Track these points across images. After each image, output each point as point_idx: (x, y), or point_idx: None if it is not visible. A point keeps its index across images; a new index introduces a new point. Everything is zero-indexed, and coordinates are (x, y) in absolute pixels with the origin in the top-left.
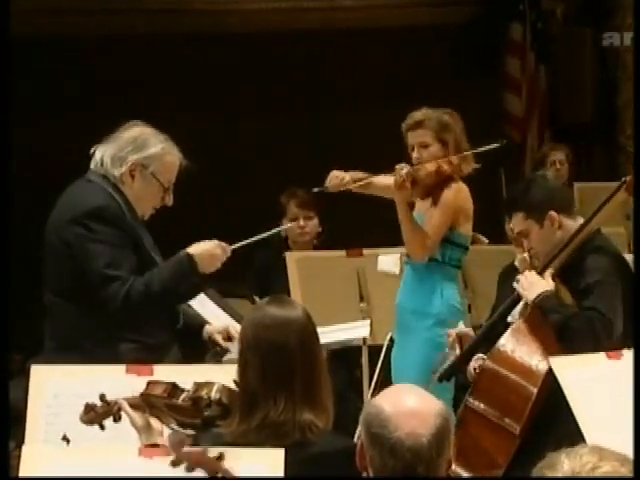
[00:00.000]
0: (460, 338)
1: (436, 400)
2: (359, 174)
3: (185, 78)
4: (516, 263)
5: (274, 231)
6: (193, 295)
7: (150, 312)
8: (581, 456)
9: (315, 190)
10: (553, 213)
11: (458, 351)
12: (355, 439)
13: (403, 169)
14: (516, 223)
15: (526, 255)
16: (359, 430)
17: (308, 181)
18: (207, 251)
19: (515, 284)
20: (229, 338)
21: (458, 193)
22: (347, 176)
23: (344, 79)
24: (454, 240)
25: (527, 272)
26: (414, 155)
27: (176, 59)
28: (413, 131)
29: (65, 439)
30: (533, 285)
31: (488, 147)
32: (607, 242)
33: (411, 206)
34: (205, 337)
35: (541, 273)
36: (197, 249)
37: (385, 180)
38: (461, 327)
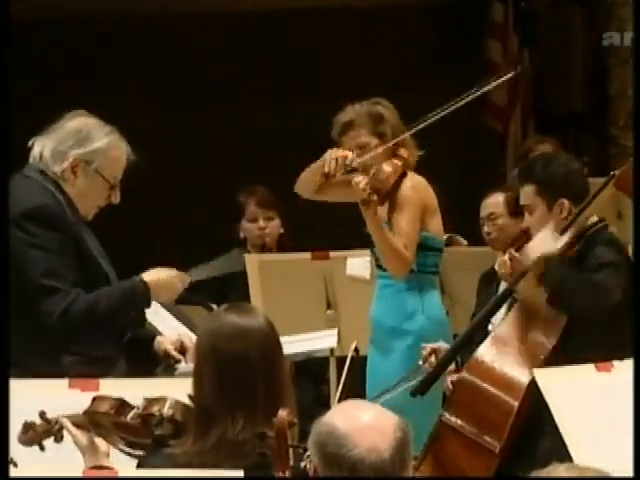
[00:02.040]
0: (435, 351)
1: (391, 414)
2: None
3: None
4: (496, 267)
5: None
6: (140, 324)
7: (88, 331)
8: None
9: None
10: (566, 202)
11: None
12: (304, 465)
13: (361, 182)
14: (525, 194)
15: (506, 258)
16: (309, 454)
17: (272, 177)
18: (164, 281)
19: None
20: (183, 349)
21: (417, 188)
22: (350, 154)
23: (314, 65)
24: (426, 243)
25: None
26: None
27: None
28: (345, 135)
29: (12, 462)
30: (542, 243)
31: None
32: (617, 238)
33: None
34: (156, 348)
35: (521, 277)
36: (154, 277)
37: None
38: (440, 343)
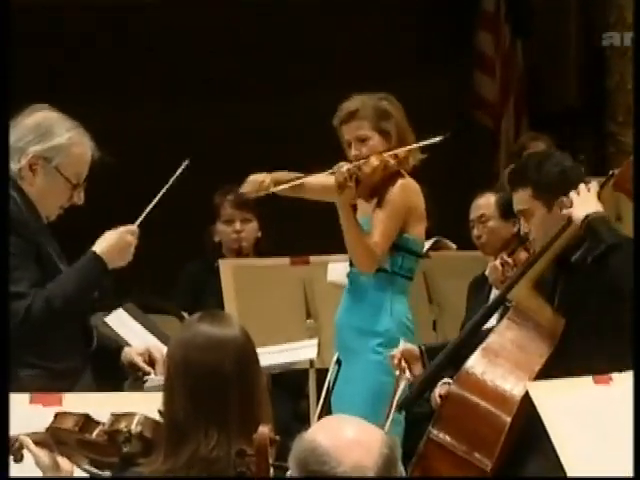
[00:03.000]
0: (405, 358)
1: (377, 428)
2: (286, 175)
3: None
4: (487, 272)
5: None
6: (106, 298)
7: (56, 328)
8: None
9: (229, 198)
10: (565, 199)
11: (408, 374)
12: None
13: (344, 166)
14: (520, 200)
15: (498, 263)
16: (290, 473)
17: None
18: (116, 244)
19: (564, 199)
20: (151, 361)
21: (406, 190)
22: (267, 179)
23: (295, 60)
24: (405, 246)
25: (582, 187)
26: (352, 152)
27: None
28: (347, 124)
29: None
30: (585, 203)
31: (431, 141)
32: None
33: (353, 208)
34: (123, 360)
35: (515, 283)
36: (103, 245)
37: (321, 180)
38: (403, 345)
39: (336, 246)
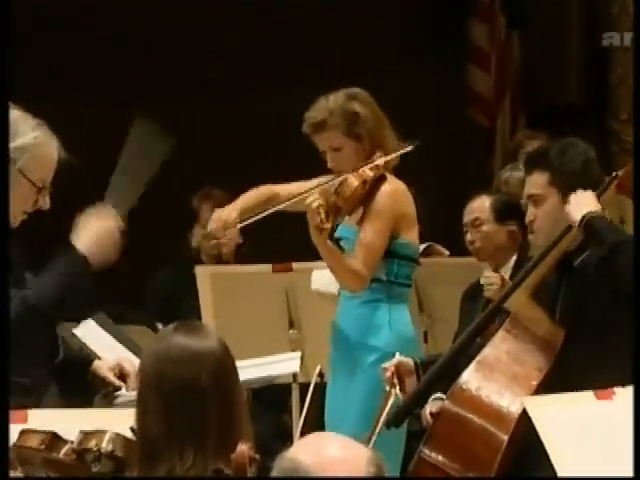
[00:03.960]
0: (399, 372)
1: (364, 446)
2: (253, 199)
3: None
4: (482, 281)
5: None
6: (87, 297)
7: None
8: None
9: (194, 245)
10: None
11: (399, 390)
12: None
13: (315, 202)
14: (534, 183)
15: (497, 278)
16: None
17: (228, 180)
18: (97, 235)
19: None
20: (123, 375)
21: (393, 197)
22: (233, 213)
23: (271, 56)
24: (399, 251)
25: (580, 191)
26: (328, 163)
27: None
28: (317, 135)
29: None
30: (582, 203)
31: (404, 150)
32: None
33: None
34: (93, 375)
35: (512, 291)
36: (84, 239)
37: (294, 191)
38: (397, 357)
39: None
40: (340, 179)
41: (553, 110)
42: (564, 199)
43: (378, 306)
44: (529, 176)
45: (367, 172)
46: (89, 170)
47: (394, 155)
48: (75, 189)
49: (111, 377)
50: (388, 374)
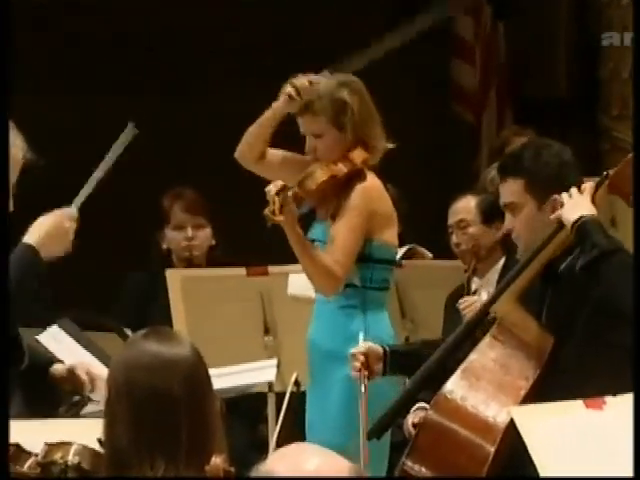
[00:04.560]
0: (367, 357)
1: (344, 459)
2: None
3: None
4: (460, 307)
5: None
6: (44, 291)
7: None
8: None
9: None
10: (559, 198)
11: (363, 388)
12: None
13: (272, 190)
14: (509, 191)
15: (466, 299)
16: None
17: (200, 179)
18: (51, 230)
19: (557, 197)
20: (75, 382)
21: (366, 195)
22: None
23: (241, 49)
24: (373, 254)
25: (574, 190)
26: (306, 146)
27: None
28: (302, 116)
29: None
30: (578, 205)
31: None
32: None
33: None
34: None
35: (498, 295)
36: (36, 232)
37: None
38: (366, 343)
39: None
40: (308, 170)
41: (541, 105)
42: (541, 205)
43: (353, 313)
44: (503, 184)
45: (339, 167)
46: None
47: (371, 155)
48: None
49: (81, 379)
50: (357, 363)
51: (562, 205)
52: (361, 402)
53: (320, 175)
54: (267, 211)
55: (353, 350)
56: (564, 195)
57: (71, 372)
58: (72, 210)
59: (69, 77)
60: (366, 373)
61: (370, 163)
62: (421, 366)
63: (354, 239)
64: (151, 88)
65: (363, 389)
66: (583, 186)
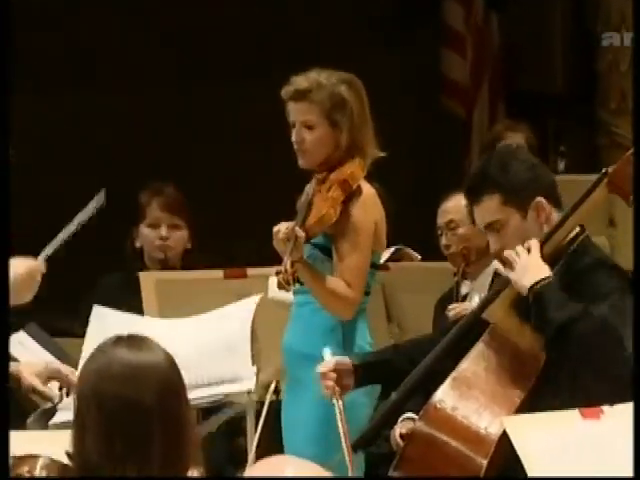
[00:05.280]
0: (338, 374)
1: (323, 470)
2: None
3: None
4: (449, 315)
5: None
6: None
7: None
8: None
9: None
10: (542, 200)
11: (335, 402)
12: None
13: (280, 232)
14: (487, 211)
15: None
16: None
17: (182, 174)
18: (21, 280)
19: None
20: (20, 385)
21: (368, 208)
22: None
23: (226, 45)
24: None
25: (520, 248)
26: (294, 135)
27: None
28: (295, 103)
29: None
30: (531, 266)
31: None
32: (607, 257)
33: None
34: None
35: (491, 300)
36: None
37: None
38: (332, 357)
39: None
40: (311, 212)
41: (535, 99)
42: (525, 213)
43: (329, 315)
44: (477, 206)
45: (337, 194)
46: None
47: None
48: None
49: (40, 387)
50: (329, 382)
51: (512, 265)
52: (339, 421)
53: (315, 214)
54: (281, 280)
55: (321, 369)
56: (511, 253)
57: (16, 375)
58: (41, 263)
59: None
60: (339, 390)
61: (365, 168)
62: (394, 374)
63: (363, 258)
64: (134, 79)
65: (339, 407)
66: (528, 243)
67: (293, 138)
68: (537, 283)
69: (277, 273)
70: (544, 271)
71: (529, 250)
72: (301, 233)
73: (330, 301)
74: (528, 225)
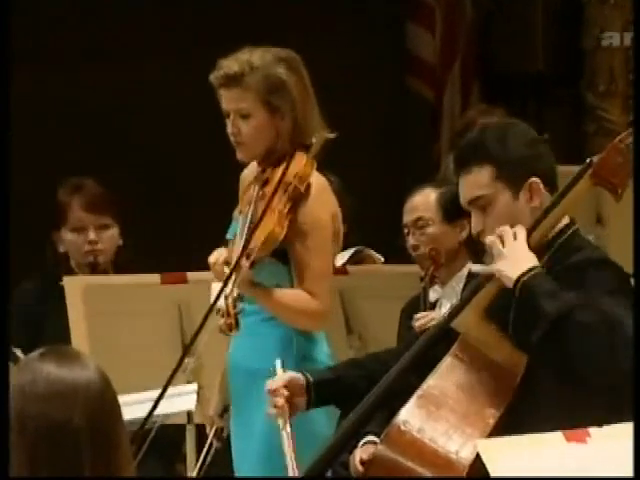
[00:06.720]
0: (289, 391)
1: None
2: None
3: None
4: (415, 325)
5: None
6: None
7: None
8: None
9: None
10: (537, 181)
11: (282, 424)
12: None
13: (217, 261)
14: (475, 183)
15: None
16: None
17: (106, 167)
18: None
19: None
20: None
21: (322, 201)
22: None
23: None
24: None
25: (505, 232)
26: (229, 127)
27: None
28: (226, 89)
29: None
30: (517, 255)
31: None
32: (604, 254)
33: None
34: None
35: (461, 308)
36: None
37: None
38: (284, 373)
39: None
40: (259, 230)
41: (514, 81)
42: (516, 194)
43: (281, 325)
44: (466, 176)
45: (281, 206)
46: None
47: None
48: None
49: None
50: (280, 400)
51: (495, 255)
52: (286, 445)
53: (269, 231)
54: (222, 325)
55: (272, 384)
56: (495, 242)
57: None
58: None
59: None
60: (287, 411)
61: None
62: (353, 393)
63: (324, 261)
64: (50, 58)
65: (288, 429)
66: (514, 230)
67: (228, 129)
68: (524, 274)
69: (218, 311)
70: (532, 261)
71: (515, 237)
72: (245, 264)
73: (295, 319)
74: (518, 207)
